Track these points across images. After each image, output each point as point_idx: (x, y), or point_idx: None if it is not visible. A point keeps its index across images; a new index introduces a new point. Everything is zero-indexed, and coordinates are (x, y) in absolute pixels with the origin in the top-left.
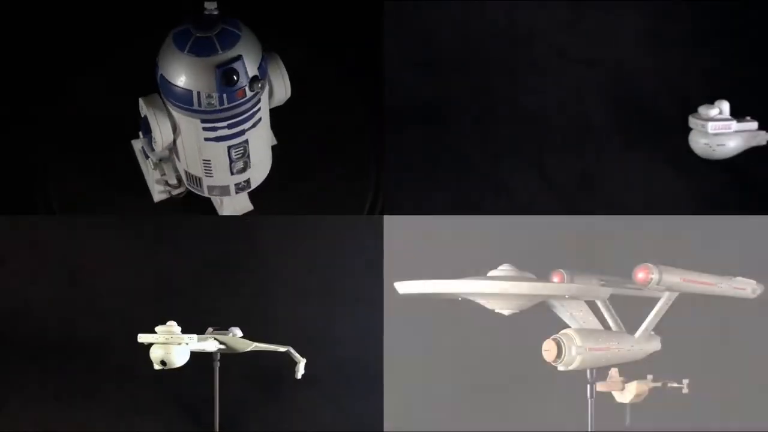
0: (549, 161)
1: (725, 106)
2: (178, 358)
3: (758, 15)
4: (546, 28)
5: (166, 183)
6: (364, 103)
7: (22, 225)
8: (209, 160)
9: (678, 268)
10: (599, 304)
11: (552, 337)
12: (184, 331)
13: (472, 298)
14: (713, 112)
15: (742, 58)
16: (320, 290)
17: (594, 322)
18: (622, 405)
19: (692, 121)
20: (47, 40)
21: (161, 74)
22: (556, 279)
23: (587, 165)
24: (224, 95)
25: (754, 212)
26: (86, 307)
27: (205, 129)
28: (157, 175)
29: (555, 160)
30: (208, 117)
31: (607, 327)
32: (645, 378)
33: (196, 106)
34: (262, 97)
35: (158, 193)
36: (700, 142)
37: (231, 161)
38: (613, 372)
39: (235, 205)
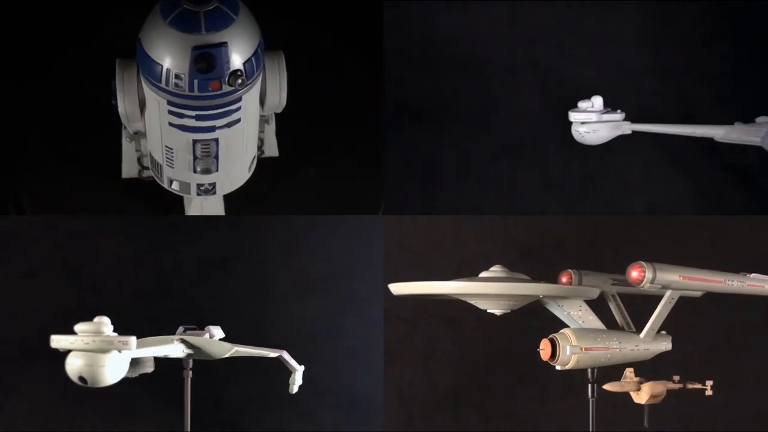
0: (549, 161)
1: (598, 100)
2: (109, 372)
3: (759, 15)
4: (546, 28)
5: (139, 161)
6: (364, 103)
7: (21, 225)
8: (171, 149)
9: (675, 266)
10: (609, 302)
11: (549, 336)
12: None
13: (464, 299)
14: (585, 105)
15: (744, 58)
16: (320, 290)
17: (594, 322)
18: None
19: (570, 114)
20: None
21: (139, 38)
22: (564, 279)
23: (587, 165)
24: (195, 81)
25: (756, 212)
26: (86, 307)
27: (170, 113)
28: (131, 149)
29: (555, 160)
30: (175, 100)
31: (617, 326)
32: (671, 378)
33: (162, 84)
34: (246, 97)
35: (126, 169)
36: (574, 130)
37: (194, 157)
38: (628, 372)
39: (204, 207)
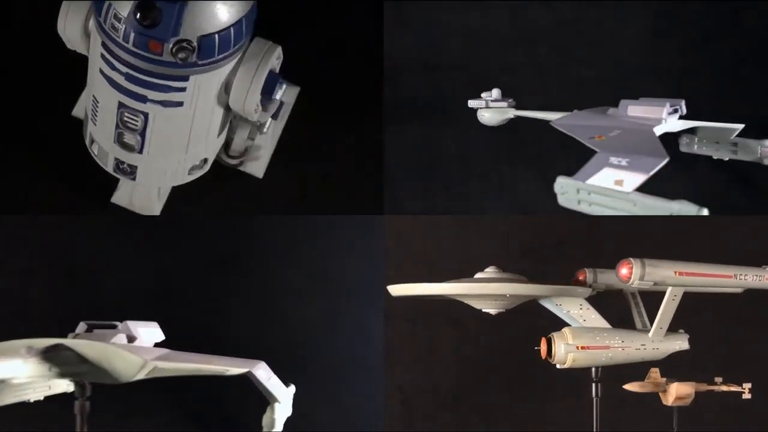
0: (549, 161)
1: (495, 91)
2: None
3: (758, 15)
4: (546, 28)
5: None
6: (364, 103)
7: (21, 225)
8: (98, 102)
9: (669, 261)
10: (629, 300)
11: (548, 335)
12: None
13: (458, 299)
14: (485, 95)
15: (743, 58)
16: (320, 290)
17: (597, 320)
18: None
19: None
20: None
21: None
22: (580, 278)
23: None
24: (132, 32)
25: (757, 212)
26: (86, 307)
27: (103, 57)
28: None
29: (556, 160)
30: (109, 44)
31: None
32: (713, 380)
33: (101, 19)
34: (197, 80)
35: (78, 108)
36: (478, 114)
37: (117, 124)
38: (653, 372)
39: (133, 197)
